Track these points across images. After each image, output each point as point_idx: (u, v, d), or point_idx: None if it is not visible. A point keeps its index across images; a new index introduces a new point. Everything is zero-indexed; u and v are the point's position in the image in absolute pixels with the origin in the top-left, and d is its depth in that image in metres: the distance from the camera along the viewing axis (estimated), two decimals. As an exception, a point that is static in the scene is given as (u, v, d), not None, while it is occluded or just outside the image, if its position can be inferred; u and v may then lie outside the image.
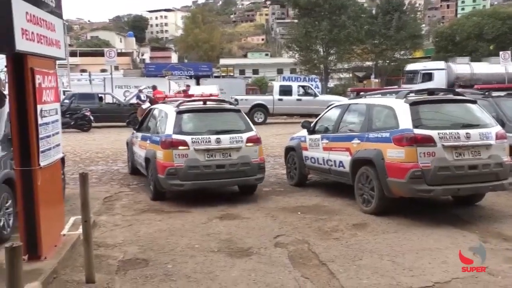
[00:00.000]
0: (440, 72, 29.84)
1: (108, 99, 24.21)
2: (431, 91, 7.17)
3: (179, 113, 7.56)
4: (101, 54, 37.42)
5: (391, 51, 41.33)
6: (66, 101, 21.58)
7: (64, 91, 28.20)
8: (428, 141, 6.11)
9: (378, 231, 5.97)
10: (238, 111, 8.17)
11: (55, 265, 4.49)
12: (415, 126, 6.22)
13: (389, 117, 6.66)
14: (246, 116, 8.16)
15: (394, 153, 6.31)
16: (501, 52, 26.71)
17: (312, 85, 30.27)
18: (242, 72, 65.26)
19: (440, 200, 7.51)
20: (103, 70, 42.32)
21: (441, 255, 5.06)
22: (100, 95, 24.17)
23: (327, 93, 35.04)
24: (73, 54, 59.99)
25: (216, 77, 53.10)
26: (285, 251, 5.28)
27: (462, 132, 6.24)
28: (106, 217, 6.79)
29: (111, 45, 72.73)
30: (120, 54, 55.94)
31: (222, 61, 69.74)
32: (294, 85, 25.67)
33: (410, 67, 33.74)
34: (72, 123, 19.50)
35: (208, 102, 8.26)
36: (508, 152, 6.64)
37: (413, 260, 4.94)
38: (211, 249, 5.33)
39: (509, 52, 26.68)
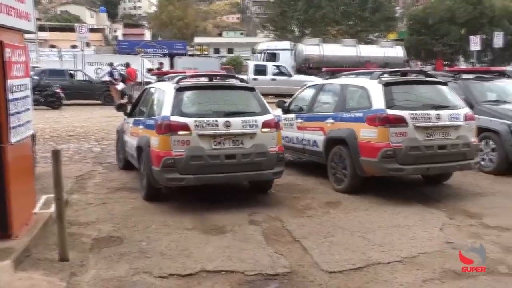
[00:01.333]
0: (286, 52, 29.49)
1: (80, 76, 23.71)
2: (403, 72, 7.30)
3: (179, 90, 6.18)
4: (72, 30, 36.39)
5: (366, 32, 41.60)
6: (36, 77, 21.00)
7: (32, 67, 27.50)
8: (400, 121, 6.24)
9: (350, 209, 6.10)
10: (251, 89, 6.67)
11: (26, 244, 4.43)
12: (388, 107, 6.34)
13: (363, 97, 6.75)
14: (261, 96, 6.74)
15: (367, 133, 6.42)
16: (471, 37, 27.19)
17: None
18: (216, 51, 64.76)
19: (411, 179, 7.70)
20: (73, 46, 41.37)
21: (409, 232, 5.23)
22: (70, 71, 23.61)
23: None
24: (41, 28, 58.25)
25: (190, 55, 52.44)
26: (259, 228, 5.35)
27: (433, 113, 6.39)
28: (79, 195, 6.71)
29: (81, 21, 70.97)
30: (91, 30, 54.39)
31: (197, 40, 68.93)
32: (269, 65, 25.62)
33: (260, 46, 32.81)
34: (42, 100, 18.98)
35: (215, 78, 6.88)
36: (475, 133, 6.84)
37: (383, 236, 5.09)
38: (186, 227, 5.35)
39: (478, 36, 27.19)
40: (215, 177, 6.03)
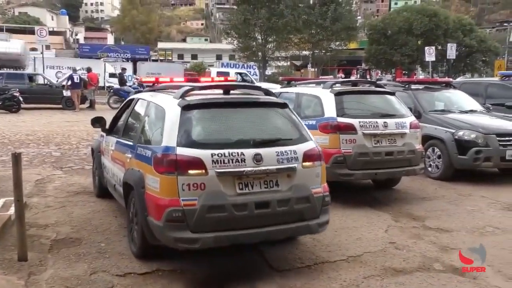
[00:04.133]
0: None
1: (40, 80, 23.30)
2: (354, 82, 7.73)
3: (187, 108, 4.42)
4: (31, 32, 35.79)
5: (327, 41, 42.57)
6: (-7, 80, 20.59)
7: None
8: (350, 128, 6.64)
9: (303, 212, 6.41)
10: (283, 105, 4.98)
11: (-15, 245, 4.54)
12: (339, 115, 6.73)
13: (316, 105, 7.13)
14: (296, 115, 5.04)
15: (319, 140, 6.72)
16: (426, 48, 28.32)
17: (249, 72, 30.73)
18: (180, 56, 64.63)
19: (362, 184, 8.11)
20: (33, 49, 40.46)
21: (357, 233, 5.59)
22: (30, 75, 23.18)
23: (265, 80, 35.62)
24: (-1, 30, 56.63)
25: (154, 60, 52.24)
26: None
27: (380, 121, 6.81)
28: (38, 199, 6.77)
29: (41, 23, 69.45)
30: (52, 33, 53.47)
31: (160, 45, 68.61)
32: (231, 72, 26.00)
33: None
34: (-1, 103, 18.69)
35: (233, 91, 5.02)
36: (420, 140, 7.32)
37: (332, 237, 5.41)
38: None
39: (433, 48, 28.37)
40: (243, 234, 4.19)
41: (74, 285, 4.00)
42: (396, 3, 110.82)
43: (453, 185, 8.12)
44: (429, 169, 8.58)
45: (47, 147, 11.45)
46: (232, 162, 4.17)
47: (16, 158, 4.32)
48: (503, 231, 5.79)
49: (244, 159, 4.20)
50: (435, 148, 8.57)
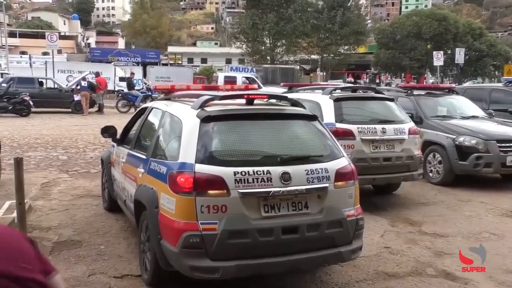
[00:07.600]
0: None
1: (50, 84, 23.66)
2: (354, 89, 7.81)
3: (206, 120, 4.01)
4: (43, 36, 36.17)
5: (336, 46, 42.72)
6: (4, 84, 20.93)
7: (1, 74, 27.27)
8: (348, 134, 6.72)
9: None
10: (312, 117, 4.56)
11: (-11, 246, 4.68)
12: (338, 121, 6.82)
13: (315, 111, 7.15)
14: (326, 128, 4.66)
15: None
16: (434, 52, 28.30)
17: (257, 76, 30.82)
18: (190, 60, 65.05)
19: (362, 189, 8.13)
20: (45, 53, 40.97)
21: (352, 237, 5.66)
22: (40, 79, 23.54)
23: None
24: (12, 34, 57.57)
25: (164, 64, 52.69)
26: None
27: (379, 127, 6.89)
28: (43, 201, 6.94)
29: (54, 27, 70.39)
30: (63, 37, 54.38)
31: (170, 49, 69.13)
32: (239, 76, 26.16)
33: None
34: (10, 107, 19.01)
35: (257, 101, 4.52)
36: (419, 146, 7.38)
37: (327, 241, 5.50)
38: (144, 232, 5.66)
39: (441, 52, 28.33)
40: (268, 263, 3.74)
41: (72, 286, 4.14)
42: (406, 7, 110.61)
43: (453, 190, 8.16)
44: (430, 174, 8.62)
45: (54, 150, 11.65)
46: (257, 182, 3.75)
47: (18, 163, 4.47)
48: (498, 237, 5.84)
49: (271, 178, 3.78)
50: (436, 153, 8.61)
